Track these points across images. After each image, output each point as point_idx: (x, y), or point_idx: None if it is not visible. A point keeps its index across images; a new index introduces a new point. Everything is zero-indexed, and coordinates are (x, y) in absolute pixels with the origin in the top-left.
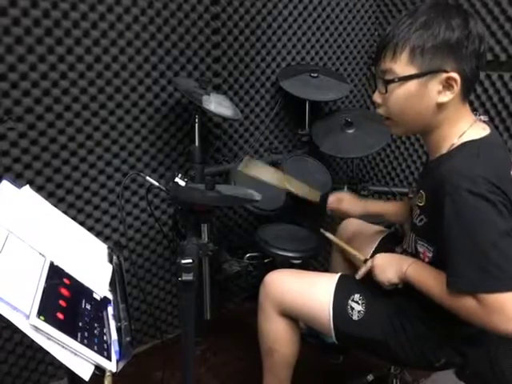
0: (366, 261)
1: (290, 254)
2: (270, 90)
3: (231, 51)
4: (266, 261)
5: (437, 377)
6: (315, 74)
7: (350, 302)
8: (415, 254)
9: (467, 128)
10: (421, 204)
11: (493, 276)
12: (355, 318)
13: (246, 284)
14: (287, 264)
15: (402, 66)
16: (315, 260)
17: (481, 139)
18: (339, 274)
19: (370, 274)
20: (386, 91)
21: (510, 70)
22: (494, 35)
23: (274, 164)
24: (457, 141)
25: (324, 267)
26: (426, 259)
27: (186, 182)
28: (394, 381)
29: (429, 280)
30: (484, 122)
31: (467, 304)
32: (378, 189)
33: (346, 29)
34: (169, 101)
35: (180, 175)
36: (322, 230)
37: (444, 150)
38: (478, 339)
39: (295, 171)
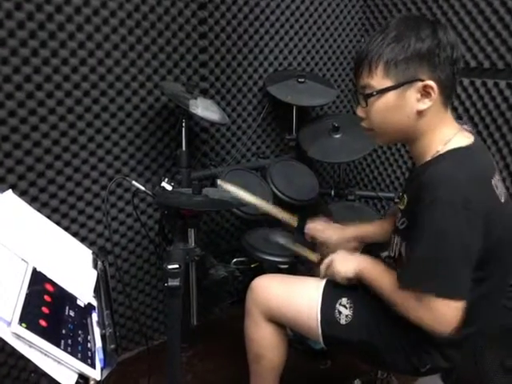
0: (320, 261)
1: (276, 259)
2: (257, 95)
3: (218, 56)
4: (253, 266)
5: (423, 381)
6: (302, 80)
7: (337, 306)
8: (398, 258)
9: (452, 136)
10: (402, 207)
11: (438, 281)
12: (343, 322)
13: (233, 289)
14: (274, 269)
15: (378, 79)
16: (302, 264)
17: (465, 147)
18: (326, 279)
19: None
20: (367, 105)
21: (493, 77)
22: (478, 42)
23: (262, 169)
24: (442, 148)
25: (312, 271)
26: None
27: (172, 186)
28: None
29: (380, 276)
30: (468, 130)
31: (408, 299)
32: (365, 193)
33: (333, 34)
34: (155, 105)
35: (167, 180)
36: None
37: (429, 157)
38: (464, 345)
39: (282, 176)
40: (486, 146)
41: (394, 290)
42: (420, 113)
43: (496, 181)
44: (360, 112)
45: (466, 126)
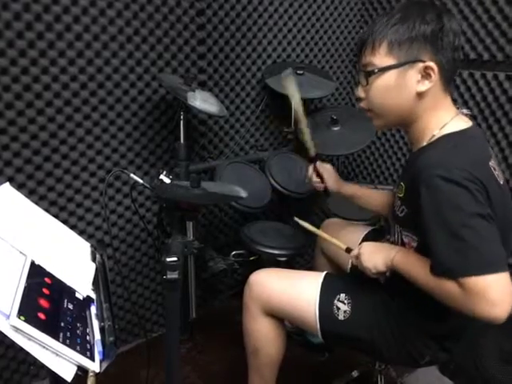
0: (347, 249)
1: (275, 252)
2: (255, 87)
3: (216, 47)
4: (251, 258)
5: (420, 372)
6: (301, 72)
7: (335, 302)
8: (401, 245)
9: (449, 120)
10: (401, 195)
11: (471, 259)
12: (341, 318)
13: (232, 281)
14: (273, 261)
15: (381, 58)
16: (301, 257)
17: (461, 131)
18: (324, 273)
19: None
20: (367, 83)
21: (492, 69)
22: (477, 34)
23: (260, 162)
24: (437, 132)
25: (310, 264)
26: (411, 250)
27: (170, 179)
28: (379, 377)
29: (415, 266)
30: (466, 115)
31: (449, 289)
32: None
33: (332, 26)
34: (153, 97)
35: (165, 172)
36: (295, 219)
37: (425, 142)
38: (462, 335)
39: (281, 169)
40: (482, 131)
41: (431, 282)
42: (419, 95)
43: (493, 164)
44: (360, 92)
45: (464, 111)
